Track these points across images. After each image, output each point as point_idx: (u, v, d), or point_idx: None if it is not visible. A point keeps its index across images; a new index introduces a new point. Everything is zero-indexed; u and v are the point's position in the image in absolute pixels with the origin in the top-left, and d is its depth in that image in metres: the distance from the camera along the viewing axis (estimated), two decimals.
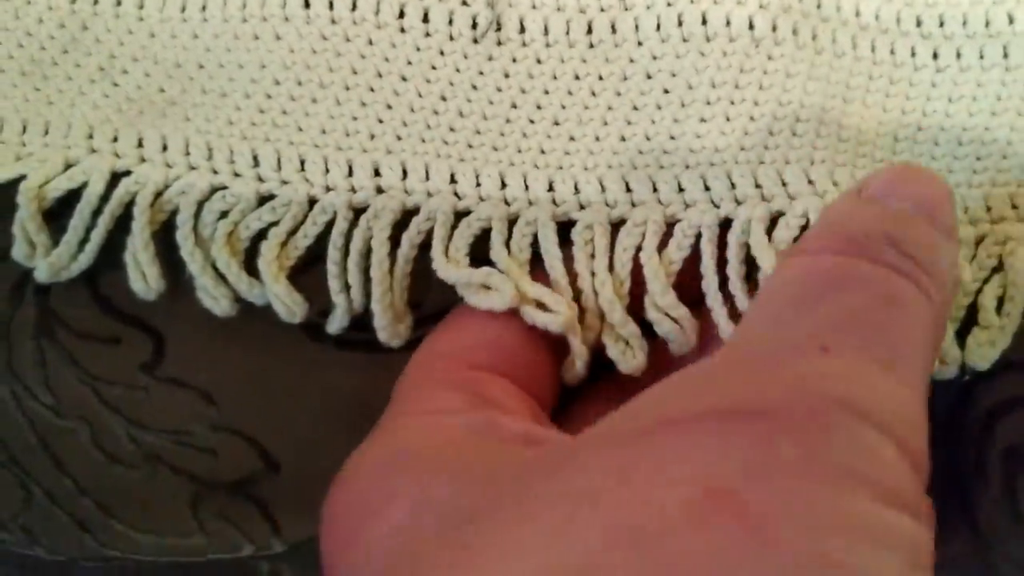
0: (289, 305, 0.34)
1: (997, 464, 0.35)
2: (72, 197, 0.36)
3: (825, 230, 0.29)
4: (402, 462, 0.28)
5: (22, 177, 0.35)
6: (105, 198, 0.35)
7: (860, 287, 0.27)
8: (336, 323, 0.34)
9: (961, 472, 0.36)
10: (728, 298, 0.33)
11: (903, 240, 0.27)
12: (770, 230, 0.34)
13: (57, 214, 0.36)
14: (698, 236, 0.34)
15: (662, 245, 0.34)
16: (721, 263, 0.33)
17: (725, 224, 0.34)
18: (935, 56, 0.37)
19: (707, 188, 0.35)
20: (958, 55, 0.37)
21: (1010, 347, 0.34)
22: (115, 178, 0.36)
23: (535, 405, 0.32)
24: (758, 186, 0.34)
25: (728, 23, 0.37)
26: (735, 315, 0.33)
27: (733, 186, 0.34)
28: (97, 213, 0.35)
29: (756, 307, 0.28)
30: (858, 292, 0.27)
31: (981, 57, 0.37)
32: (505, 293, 0.32)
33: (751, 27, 0.37)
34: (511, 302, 0.32)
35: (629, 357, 0.33)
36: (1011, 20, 0.37)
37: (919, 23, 0.37)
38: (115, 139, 0.36)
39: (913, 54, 0.37)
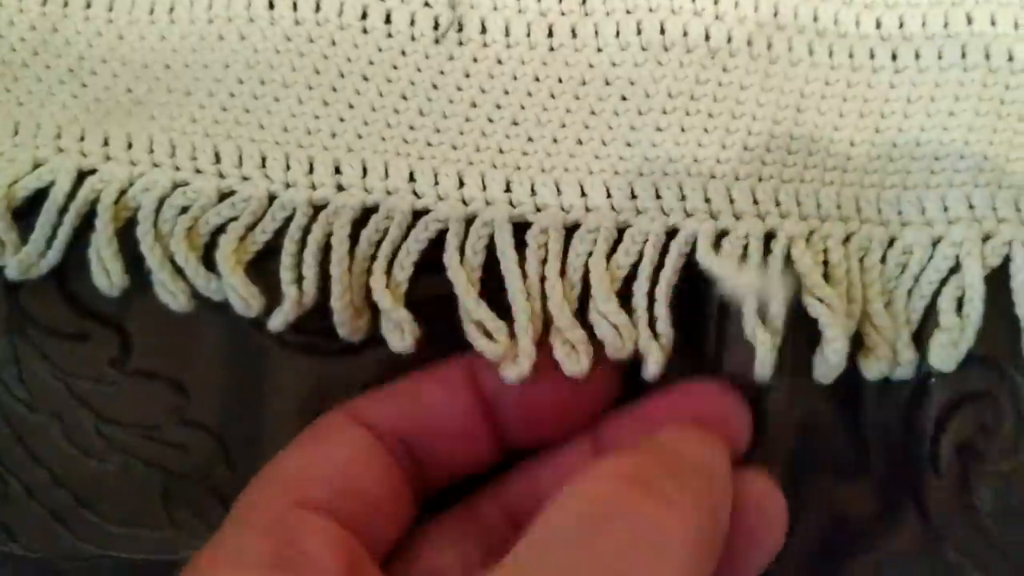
0: (246, 298, 0.34)
1: (951, 457, 0.36)
2: (41, 196, 0.37)
3: (620, 453, 0.30)
4: None
5: None
6: (72, 196, 0.36)
7: (624, 523, 0.27)
8: (281, 317, 0.35)
9: (915, 465, 0.36)
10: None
11: (681, 466, 0.29)
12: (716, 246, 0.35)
13: (26, 213, 0.37)
14: (646, 242, 0.35)
15: (613, 251, 0.35)
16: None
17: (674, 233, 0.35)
18: (894, 57, 0.37)
19: (658, 196, 0.35)
20: (917, 56, 0.37)
21: None
22: (81, 177, 0.36)
23: (359, 553, 0.31)
24: (707, 200, 0.35)
25: (685, 33, 0.37)
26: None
27: (683, 197, 0.35)
28: (64, 211, 0.36)
29: (539, 524, 0.28)
30: (621, 530, 0.27)
31: (939, 57, 0.37)
32: (407, 340, 0.34)
33: (707, 38, 0.37)
34: (410, 348, 0.34)
35: (574, 360, 0.34)
36: (969, 21, 0.37)
37: (879, 25, 0.38)
38: (82, 138, 0.37)
39: (872, 56, 0.37)
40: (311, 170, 0.36)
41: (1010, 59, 0.37)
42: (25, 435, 0.38)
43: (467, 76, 0.37)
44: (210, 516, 0.39)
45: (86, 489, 0.39)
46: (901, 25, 0.38)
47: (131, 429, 0.38)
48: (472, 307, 0.34)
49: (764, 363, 0.33)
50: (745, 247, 0.34)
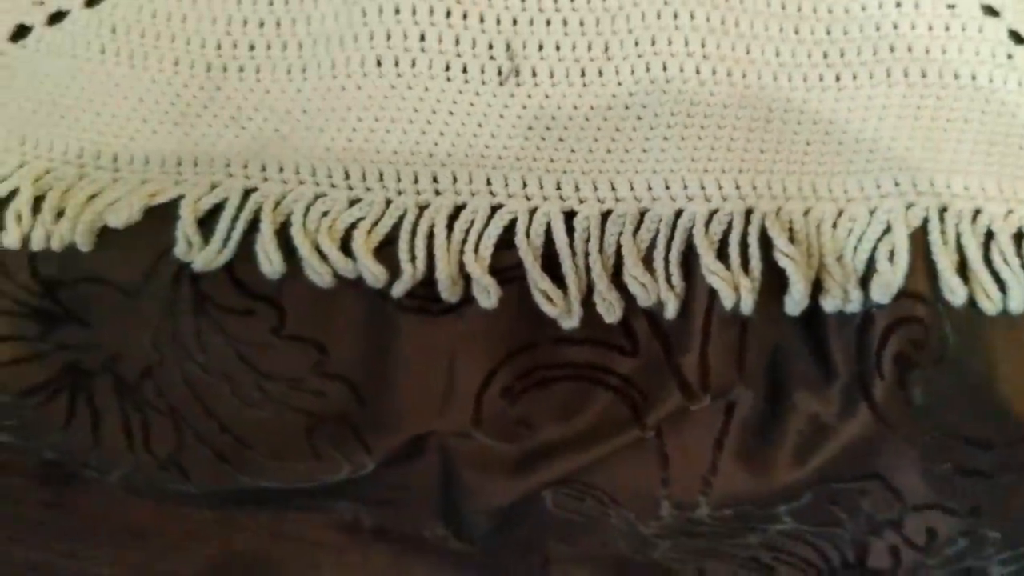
0: (375, 274, 0.46)
1: (891, 365, 0.46)
2: (216, 209, 0.48)
3: None
4: None
5: (181, 196, 0.48)
6: (240, 208, 0.48)
7: None
8: (401, 286, 0.46)
9: (866, 372, 0.47)
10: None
11: None
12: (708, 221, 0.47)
13: (205, 221, 0.48)
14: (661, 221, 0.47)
15: (637, 229, 0.47)
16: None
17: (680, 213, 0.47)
18: (837, 79, 0.50)
19: (667, 187, 0.48)
20: (854, 77, 0.50)
21: None
22: (247, 193, 0.48)
23: None
24: (703, 188, 0.47)
25: (681, 69, 0.49)
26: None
27: (686, 187, 0.47)
28: (235, 219, 0.48)
29: None
30: None
31: (871, 77, 0.50)
32: (492, 299, 0.46)
33: (697, 72, 0.49)
34: (494, 304, 0.46)
35: (611, 312, 0.46)
36: (892, 49, 0.50)
37: (825, 56, 0.51)
38: (245, 166, 0.49)
39: (821, 79, 0.50)
40: (416, 180, 0.48)
41: (923, 76, 0.50)
42: (200, 392, 0.49)
43: (524, 108, 0.50)
44: (345, 446, 0.49)
45: (246, 433, 0.49)
46: (842, 55, 0.50)
47: (282, 382, 0.48)
48: (538, 279, 0.46)
49: (746, 302, 0.46)
50: (730, 221, 0.47)
